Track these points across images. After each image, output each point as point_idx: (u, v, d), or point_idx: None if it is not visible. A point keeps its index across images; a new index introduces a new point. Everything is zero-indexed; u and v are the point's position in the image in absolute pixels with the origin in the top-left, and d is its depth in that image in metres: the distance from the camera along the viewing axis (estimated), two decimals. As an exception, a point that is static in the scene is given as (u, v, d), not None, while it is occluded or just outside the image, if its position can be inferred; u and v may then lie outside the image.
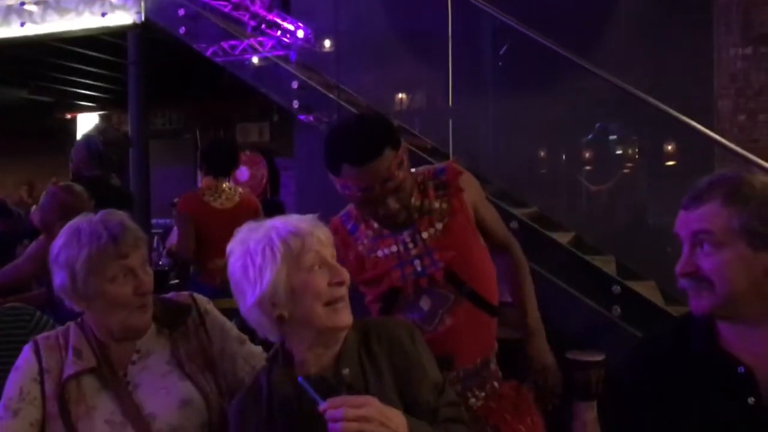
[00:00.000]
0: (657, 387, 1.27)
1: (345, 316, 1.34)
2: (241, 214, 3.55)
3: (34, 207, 5.90)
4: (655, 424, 1.26)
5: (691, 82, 4.80)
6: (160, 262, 5.63)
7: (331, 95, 4.52)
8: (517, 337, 2.00)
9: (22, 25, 5.49)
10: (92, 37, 5.61)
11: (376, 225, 1.85)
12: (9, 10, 5.49)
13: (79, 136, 5.14)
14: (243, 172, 8.27)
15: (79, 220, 1.52)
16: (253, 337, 1.61)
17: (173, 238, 5.05)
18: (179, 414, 1.48)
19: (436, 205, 1.83)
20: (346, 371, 1.33)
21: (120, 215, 1.54)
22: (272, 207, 5.93)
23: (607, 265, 3.73)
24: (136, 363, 1.54)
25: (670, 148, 5.07)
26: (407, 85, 5.60)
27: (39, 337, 1.57)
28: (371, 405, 1.20)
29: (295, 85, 4.58)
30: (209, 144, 4.71)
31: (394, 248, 1.82)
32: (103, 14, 5.27)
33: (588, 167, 5.34)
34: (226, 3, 4.73)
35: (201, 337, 1.60)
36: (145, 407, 1.48)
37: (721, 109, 4.90)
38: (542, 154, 5.45)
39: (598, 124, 5.24)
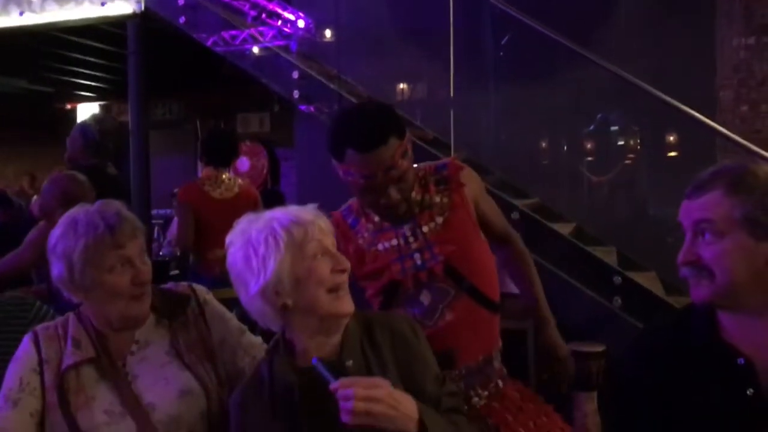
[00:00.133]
0: (657, 378, 1.27)
1: (347, 303, 1.36)
2: (240, 205, 3.56)
3: (35, 197, 5.90)
4: (655, 415, 1.26)
5: (693, 73, 4.77)
6: (161, 253, 5.64)
7: (331, 85, 4.52)
8: (519, 327, 2.00)
9: (21, 14, 5.46)
10: (92, 27, 5.59)
11: (376, 218, 1.84)
12: (8, 0, 5.47)
13: (79, 127, 5.12)
14: (243, 163, 8.27)
15: (76, 211, 1.51)
16: (254, 328, 1.61)
17: (174, 229, 5.07)
18: (178, 404, 1.49)
19: (437, 199, 1.83)
20: (349, 363, 1.33)
21: (117, 205, 1.54)
22: (273, 197, 5.92)
23: (608, 255, 3.72)
24: (135, 353, 1.54)
25: (671, 138, 5.05)
26: (408, 75, 5.57)
27: (38, 327, 1.57)
28: (382, 387, 1.21)
29: (295, 75, 4.57)
30: (209, 134, 4.70)
31: (394, 242, 1.81)
32: (103, 3, 5.25)
33: (589, 158, 5.31)
34: (226, -8, 4.73)
35: (200, 327, 1.60)
36: (144, 397, 1.49)
37: (723, 100, 4.86)
38: (543, 144, 5.42)
39: (599, 115, 5.21)
